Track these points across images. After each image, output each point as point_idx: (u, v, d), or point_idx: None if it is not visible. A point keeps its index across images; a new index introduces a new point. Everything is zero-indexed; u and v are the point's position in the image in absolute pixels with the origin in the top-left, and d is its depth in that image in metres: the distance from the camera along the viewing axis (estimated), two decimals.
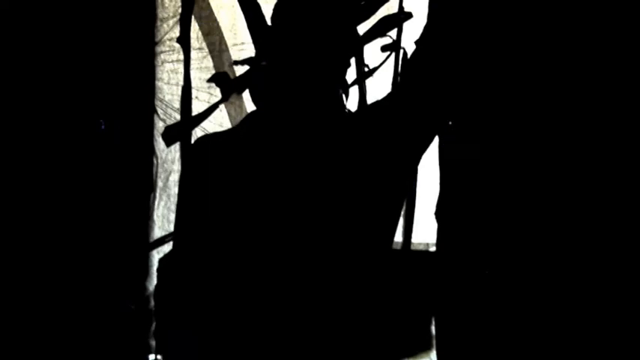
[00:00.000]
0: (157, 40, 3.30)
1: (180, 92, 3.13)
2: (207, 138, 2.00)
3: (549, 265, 2.73)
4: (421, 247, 3.21)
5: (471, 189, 2.99)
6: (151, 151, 3.26)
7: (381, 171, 1.93)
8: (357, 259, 1.90)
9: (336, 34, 1.96)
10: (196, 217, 1.95)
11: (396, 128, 1.94)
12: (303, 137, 1.93)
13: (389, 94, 2.04)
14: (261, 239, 1.89)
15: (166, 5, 3.32)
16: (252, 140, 1.95)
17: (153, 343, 3.12)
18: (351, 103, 2.12)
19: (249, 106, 3.25)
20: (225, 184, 1.92)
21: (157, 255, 3.21)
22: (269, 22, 1.99)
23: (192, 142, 2.02)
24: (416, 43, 2.36)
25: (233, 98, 3.25)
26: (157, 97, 3.29)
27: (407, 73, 2.02)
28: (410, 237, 3.02)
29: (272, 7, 2.04)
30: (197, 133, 3.19)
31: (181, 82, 3.13)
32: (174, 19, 3.28)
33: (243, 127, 2.00)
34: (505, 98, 2.85)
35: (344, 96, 2.02)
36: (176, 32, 3.18)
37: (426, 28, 2.08)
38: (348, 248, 1.89)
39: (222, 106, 3.26)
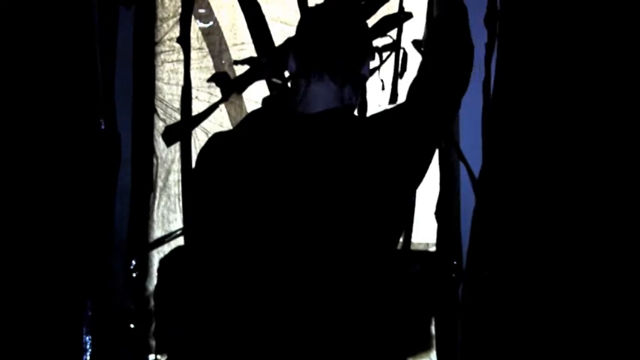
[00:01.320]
0: (156, 40, 3.30)
1: (180, 92, 3.14)
2: (212, 139, 2.00)
3: (550, 265, 2.73)
4: (421, 247, 3.21)
5: (471, 191, 2.99)
6: (151, 151, 3.26)
7: (392, 176, 1.92)
8: (361, 260, 1.90)
9: (358, 41, 1.98)
10: (203, 218, 1.95)
11: (411, 135, 1.94)
12: (314, 139, 1.93)
13: (400, 103, 2.04)
14: (267, 240, 1.89)
15: (166, 5, 3.33)
16: (260, 141, 1.94)
17: (153, 343, 3.12)
18: None
19: (249, 106, 3.25)
20: (233, 185, 1.92)
21: (157, 255, 3.21)
22: (269, 22, 1.99)
23: (199, 143, 2.01)
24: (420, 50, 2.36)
25: (233, 98, 3.25)
26: (156, 97, 3.29)
27: (420, 82, 2.02)
28: (410, 237, 3.02)
29: (272, 7, 2.05)
30: (197, 133, 3.20)
31: (181, 82, 3.13)
32: (175, 19, 3.28)
33: (248, 127, 2.00)
34: (505, 100, 2.86)
35: (354, 99, 2.02)
36: (176, 32, 3.18)
37: (433, 36, 2.09)
38: (353, 250, 1.89)
39: (222, 106, 3.26)
